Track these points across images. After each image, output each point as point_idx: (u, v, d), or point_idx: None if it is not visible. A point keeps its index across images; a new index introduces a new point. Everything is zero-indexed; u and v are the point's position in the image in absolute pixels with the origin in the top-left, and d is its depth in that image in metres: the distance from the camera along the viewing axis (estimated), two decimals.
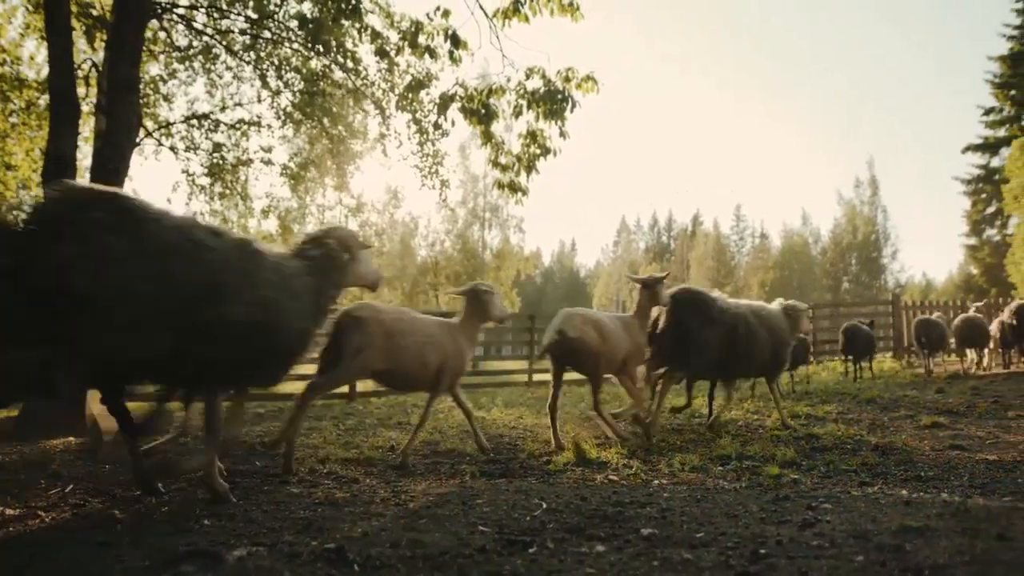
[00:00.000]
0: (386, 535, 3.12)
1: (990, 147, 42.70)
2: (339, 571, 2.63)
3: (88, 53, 10.85)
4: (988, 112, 42.55)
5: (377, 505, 3.83)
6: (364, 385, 13.22)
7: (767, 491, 4.05)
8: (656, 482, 4.48)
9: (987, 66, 44.04)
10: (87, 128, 11.53)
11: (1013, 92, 40.72)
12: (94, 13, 10.32)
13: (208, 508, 3.74)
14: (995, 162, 42.08)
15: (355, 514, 3.62)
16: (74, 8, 9.96)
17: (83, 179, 9.33)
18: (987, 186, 42.77)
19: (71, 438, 6.49)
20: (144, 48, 10.79)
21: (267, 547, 2.93)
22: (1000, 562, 2.48)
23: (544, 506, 3.64)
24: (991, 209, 43.07)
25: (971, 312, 13.84)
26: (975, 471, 4.62)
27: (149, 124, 12.49)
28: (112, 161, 8.64)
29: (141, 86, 12.01)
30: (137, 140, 10.42)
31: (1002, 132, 41.73)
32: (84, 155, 11.58)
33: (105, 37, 9.82)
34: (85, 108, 11.17)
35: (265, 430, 7.49)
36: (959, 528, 2.95)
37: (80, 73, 10.45)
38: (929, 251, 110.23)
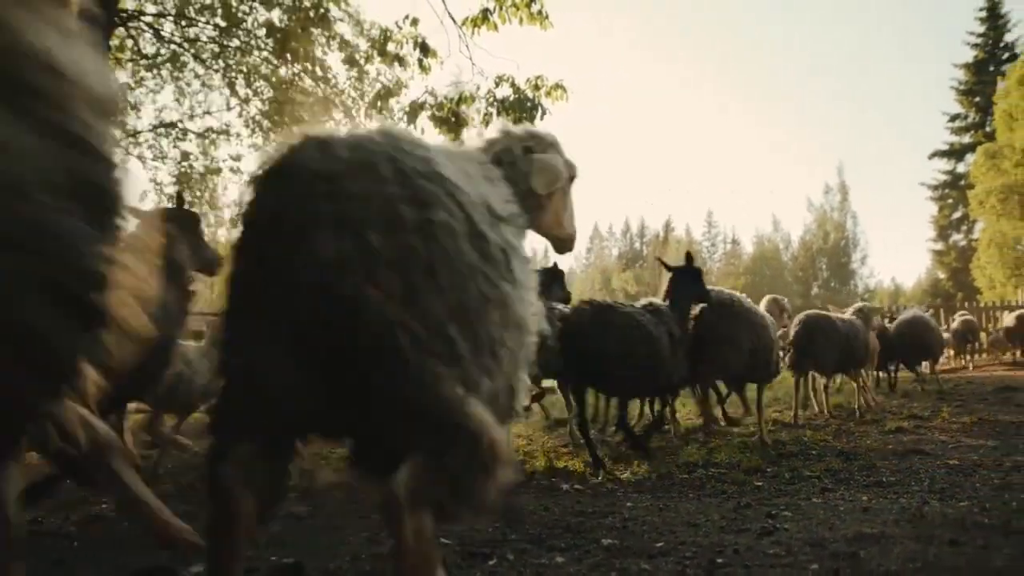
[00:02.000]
0: (347, 548, 3.11)
1: (956, 153, 43.41)
2: None
3: None
4: (954, 119, 43.29)
5: (338, 517, 3.81)
6: None
7: (730, 499, 4.08)
8: (620, 491, 4.50)
9: (952, 73, 44.76)
10: None
11: (977, 99, 41.43)
12: None
13: None
14: (961, 168, 42.81)
15: (317, 527, 3.60)
16: None
17: None
18: (953, 192, 43.47)
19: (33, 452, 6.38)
20: (110, 56, 10.70)
21: None
22: (951, 568, 2.52)
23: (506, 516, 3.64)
24: (957, 214, 43.78)
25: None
26: (935, 476, 4.68)
27: (115, 133, 12.36)
28: None
29: None
30: None
31: (967, 138, 42.45)
32: None
33: None
34: None
35: None
36: (914, 535, 2.99)
37: None
38: (898, 256, 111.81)
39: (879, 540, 2.91)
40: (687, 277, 6.04)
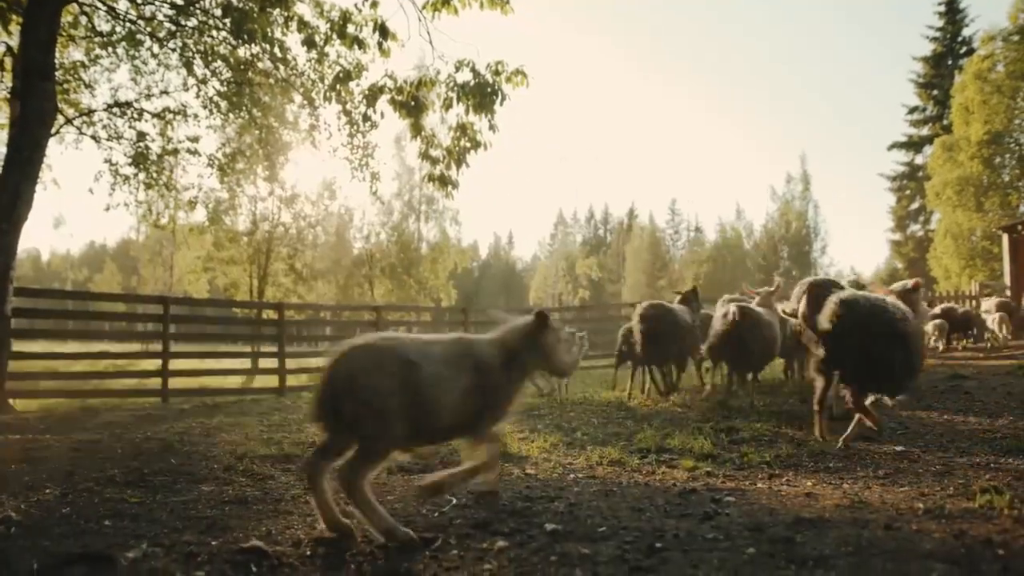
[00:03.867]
0: (289, 534, 3.09)
1: (914, 145, 44.10)
2: (235, 572, 2.60)
3: (2, 37, 10.46)
4: (912, 111, 43.95)
5: (287, 503, 3.79)
6: (296, 379, 13.05)
7: (677, 484, 4.12)
8: (571, 476, 4.51)
9: (912, 66, 45.40)
10: (2, 115, 11.15)
11: (935, 92, 42.10)
12: None
13: (110, 508, 3.65)
14: (919, 159, 43.52)
15: (262, 512, 3.57)
16: None
17: None
18: (911, 183, 44.17)
19: None
20: (63, 33, 10.47)
21: (165, 548, 2.88)
22: (883, 552, 2.56)
23: (454, 501, 3.65)
24: (915, 205, 44.51)
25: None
26: (880, 462, 4.76)
27: (69, 111, 12.09)
28: (26, 149, 8.38)
29: (61, 72, 11.63)
30: (55, 128, 10.10)
31: (925, 131, 43.15)
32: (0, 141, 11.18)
33: (20, 21, 9.49)
34: (1, 94, 10.79)
35: (186, 426, 7.34)
36: (851, 519, 3.04)
37: None
38: (857, 246, 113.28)
39: (817, 525, 2.96)
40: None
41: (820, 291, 6.19)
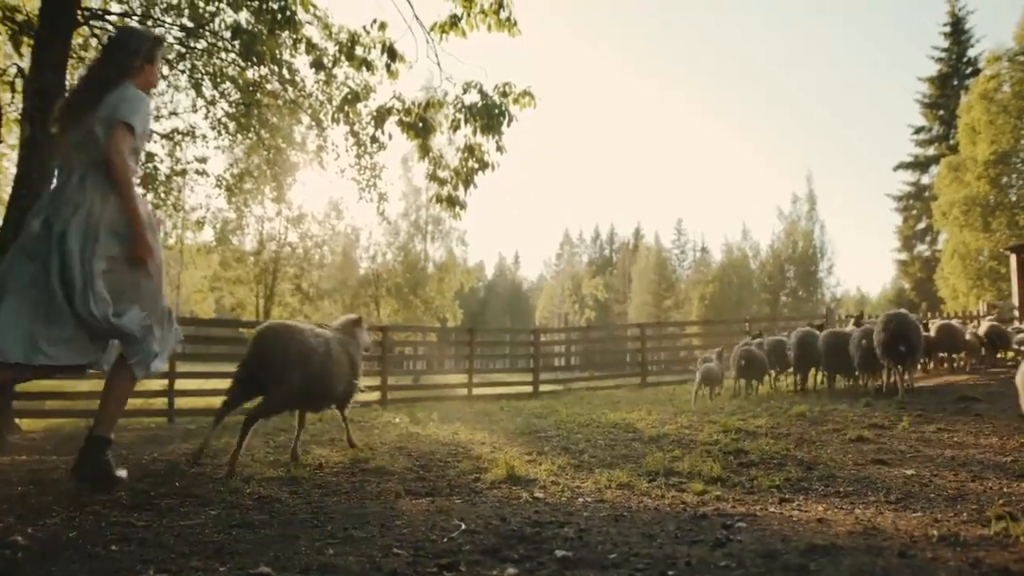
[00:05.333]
0: (298, 559, 3.06)
1: (920, 165, 44.19)
2: None
3: (14, 58, 10.55)
4: (918, 131, 44.08)
5: (294, 527, 3.76)
6: None
7: (687, 509, 4.09)
8: (580, 500, 4.48)
9: (918, 87, 45.54)
10: (13, 136, 11.22)
11: (941, 112, 42.23)
12: (19, 18, 10.03)
13: (117, 532, 3.63)
14: (925, 179, 43.62)
15: (270, 536, 3.55)
16: None
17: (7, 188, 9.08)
18: (918, 203, 44.23)
19: None
20: (73, 55, 10.54)
21: (172, 574, 2.86)
22: None
23: (463, 527, 3.61)
24: (921, 225, 44.53)
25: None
26: (892, 486, 4.72)
27: None
28: (36, 171, 8.42)
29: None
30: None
31: (931, 151, 43.24)
32: (11, 162, 11.26)
33: (31, 43, 9.58)
34: (12, 115, 10.87)
35: (193, 447, 7.32)
36: (865, 546, 3.01)
37: (7, 78, 10.18)
38: (863, 266, 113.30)
39: (830, 552, 2.92)
40: None
41: None
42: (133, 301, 4.39)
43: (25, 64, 9.98)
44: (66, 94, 5.97)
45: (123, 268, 4.35)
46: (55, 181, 4.56)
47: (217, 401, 12.50)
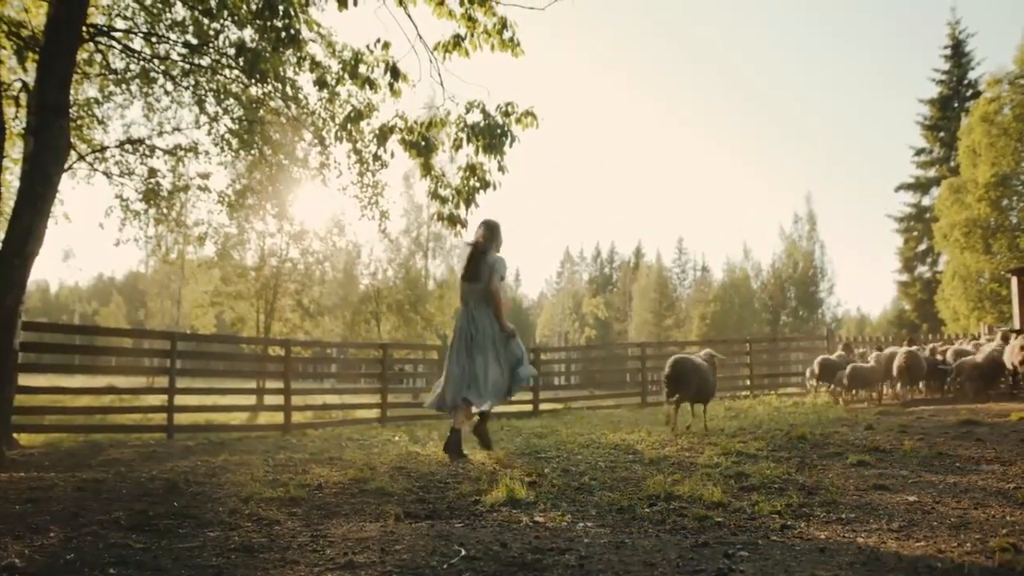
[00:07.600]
0: None
1: (921, 186, 44.27)
2: None
3: (19, 73, 10.60)
4: (919, 153, 44.20)
5: (294, 551, 3.73)
6: (301, 416, 13.02)
7: (689, 536, 4.05)
8: (581, 525, 4.45)
9: (918, 108, 45.75)
10: (16, 150, 11.25)
11: (942, 134, 42.36)
12: (24, 34, 10.08)
13: (115, 554, 3.60)
14: (926, 201, 43.69)
15: (269, 561, 3.52)
16: (3, 28, 9.74)
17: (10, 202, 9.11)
18: (918, 224, 44.26)
19: None
20: (78, 70, 10.59)
21: None
22: None
23: (463, 553, 3.58)
24: (922, 246, 44.54)
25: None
26: (894, 512, 4.69)
27: (82, 147, 12.22)
28: (40, 185, 8.43)
29: (75, 108, 11.77)
30: (68, 164, 10.19)
31: (932, 172, 43.33)
32: (14, 176, 11.30)
33: (36, 58, 9.63)
34: (16, 129, 10.90)
35: (191, 465, 7.28)
36: None
37: (11, 93, 10.21)
38: (864, 286, 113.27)
39: None
40: None
41: None
42: None
43: (30, 79, 10.03)
44: None
45: None
46: None
47: (217, 417, 12.51)
